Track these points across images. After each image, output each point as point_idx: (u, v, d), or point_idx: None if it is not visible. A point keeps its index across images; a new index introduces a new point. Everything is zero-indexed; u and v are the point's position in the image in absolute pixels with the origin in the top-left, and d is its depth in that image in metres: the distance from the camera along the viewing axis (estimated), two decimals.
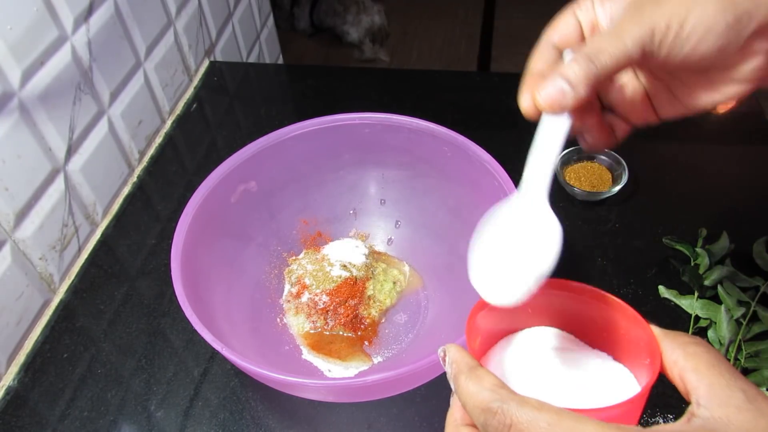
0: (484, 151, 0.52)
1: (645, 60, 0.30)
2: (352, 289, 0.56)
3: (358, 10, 2.18)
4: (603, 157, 0.69)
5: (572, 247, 0.64)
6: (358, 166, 0.61)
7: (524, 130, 0.78)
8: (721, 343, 0.52)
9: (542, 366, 0.35)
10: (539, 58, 0.35)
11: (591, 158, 0.70)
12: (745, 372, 0.51)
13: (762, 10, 0.29)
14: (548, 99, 0.31)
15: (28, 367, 0.57)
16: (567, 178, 0.69)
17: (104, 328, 0.60)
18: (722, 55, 0.30)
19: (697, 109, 0.35)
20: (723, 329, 0.52)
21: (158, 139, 0.80)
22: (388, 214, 0.63)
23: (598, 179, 0.68)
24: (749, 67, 0.31)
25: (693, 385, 0.28)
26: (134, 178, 0.75)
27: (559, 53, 0.34)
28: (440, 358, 0.33)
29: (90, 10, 0.63)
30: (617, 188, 0.66)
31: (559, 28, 0.34)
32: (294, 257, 0.61)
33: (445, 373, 0.47)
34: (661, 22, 0.29)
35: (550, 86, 0.31)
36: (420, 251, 0.61)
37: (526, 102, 0.34)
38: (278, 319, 0.57)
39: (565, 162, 0.69)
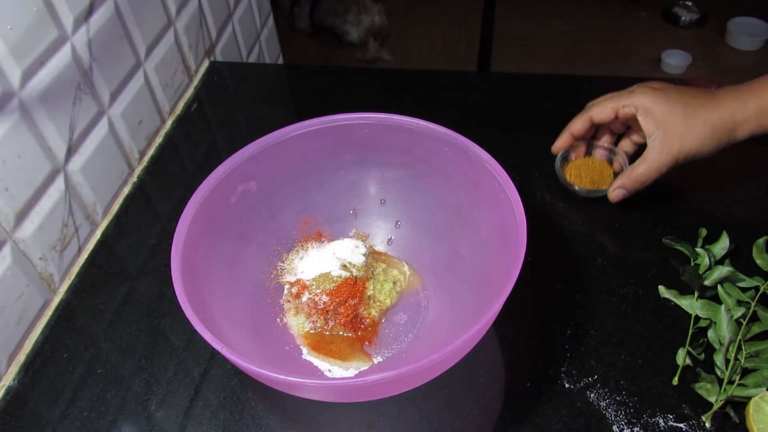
0: (484, 151, 0.52)
1: None
2: (352, 289, 0.56)
3: (359, 9, 2.19)
4: (601, 151, 0.69)
5: (572, 247, 0.64)
6: (358, 166, 0.61)
7: (524, 130, 0.79)
8: (721, 343, 0.52)
9: None
10: (578, 124, 0.65)
11: (589, 153, 0.70)
12: (745, 372, 0.51)
13: (731, 141, 0.59)
14: (615, 197, 0.64)
15: (28, 367, 0.57)
16: (567, 176, 0.68)
17: (104, 328, 0.60)
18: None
19: None
20: (723, 329, 0.52)
21: (158, 139, 0.80)
22: (388, 214, 0.63)
23: (598, 175, 0.68)
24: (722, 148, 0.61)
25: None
26: (134, 178, 0.75)
27: (592, 125, 0.65)
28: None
29: (90, 10, 0.63)
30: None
31: (600, 113, 0.63)
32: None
33: (445, 374, 0.47)
34: (683, 156, 0.58)
35: (618, 193, 0.63)
36: (420, 251, 0.61)
37: (557, 147, 0.68)
38: (278, 319, 0.57)
39: (563, 158, 0.69)
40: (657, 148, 0.58)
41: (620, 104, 0.60)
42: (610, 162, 0.69)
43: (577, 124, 0.64)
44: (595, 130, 0.68)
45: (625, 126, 0.66)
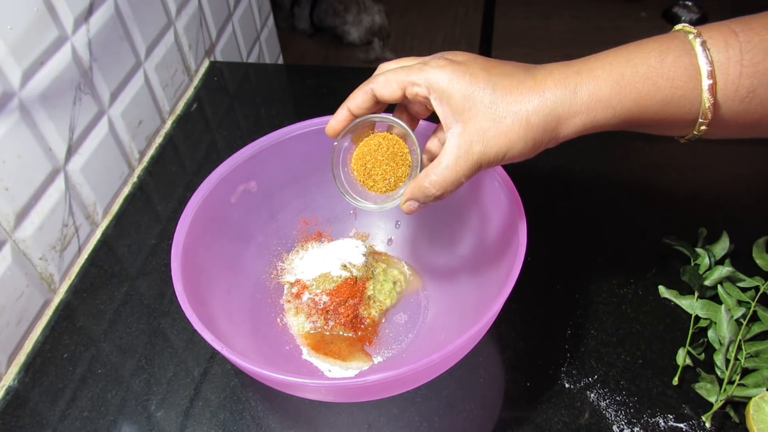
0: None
1: None
2: (352, 289, 0.56)
3: (359, 9, 2.18)
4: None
5: (572, 247, 0.64)
6: None
7: None
8: (721, 343, 0.52)
9: None
10: (359, 98, 0.45)
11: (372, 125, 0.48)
12: (745, 372, 0.51)
13: (553, 140, 0.41)
14: (408, 209, 0.45)
15: (28, 367, 0.57)
16: (355, 175, 0.49)
17: (104, 328, 0.60)
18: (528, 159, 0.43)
19: None
20: (723, 329, 0.52)
21: (158, 139, 0.80)
22: (388, 214, 0.63)
23: (392, 171, 0.48)
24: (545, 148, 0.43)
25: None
26: (134, 178, 0.75)
27: (375, 100, 0.44)
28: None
29: (90, 10, 0.63)
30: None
31: (385, 86, 0.43)
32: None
33: (444, 374, 0.47)
34: (487, 161, 0.41)
35: (409, 204, 0.45)
36: (420, 251, 0.61)
37: (331, 128, 0.47)
38: (278, 319, 0.57)
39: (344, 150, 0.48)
40: (453, 151, 0.41)
41: (409, 80, 0.42)
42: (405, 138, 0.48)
43: (357, 98, 0.45)
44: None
45: (427, 109, 0.47)
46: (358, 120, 0.46)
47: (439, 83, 0.41)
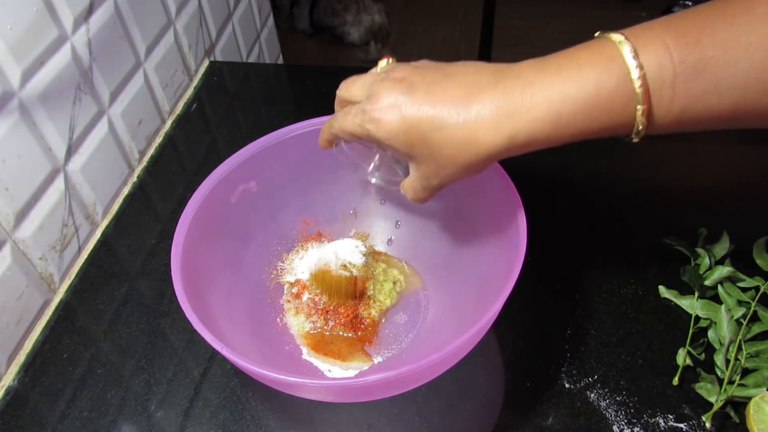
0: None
1: None
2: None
3: (359, 9, 2.18)
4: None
5: (572, 247, 0.64)
6: None
7: None
8: (721, 343, 0.52)
9: None
10: (326, 143, 0.50)
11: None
12: (745, 372, 0.51)
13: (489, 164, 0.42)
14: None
15: (28, 367, 0.57)
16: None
17: (104, 328, 0.60)
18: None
19: None
20: (723, 329, 0.52)
21: (158, 139, 0.80)
22: (388, 214, 0.63)
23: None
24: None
25: None
26: (134, 178, 0.75)
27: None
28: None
29: (90, 10, 0.63)
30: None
31: (344, 135, 0.46)
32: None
33: (444, 374, 0.47)
34: (447, 184, 0.44)
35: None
36: (420, 251, 0.61)
37: (322, 142, 0.50)
38: (278, 319, 0.57)
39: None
40: (418, 180, 0.45)
41: (356, 132, 0.44)
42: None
43: (326, 139, 0.50)
44: None
45: None
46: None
47: (379, 139, 0.43)
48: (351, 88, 0.47)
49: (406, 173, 0.48)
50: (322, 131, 0.50)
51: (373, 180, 0.53)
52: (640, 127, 0.38)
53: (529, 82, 0.39)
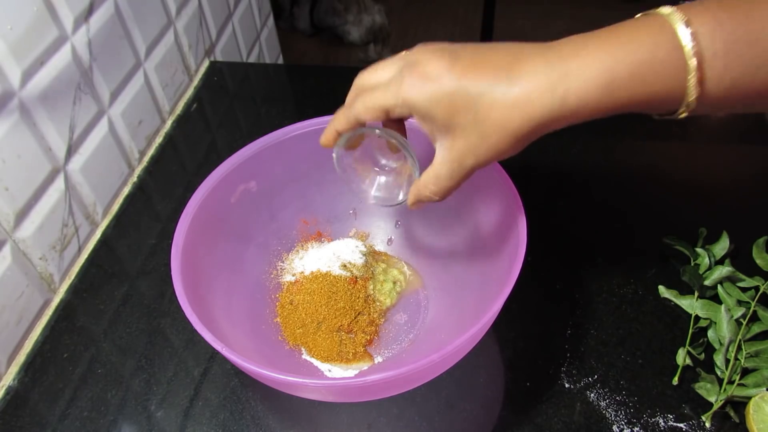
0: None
1: None
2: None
3: (359, 9, 2.18)
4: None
5: (572, 247, 0.64)
6: None
7: None
8: (721, 343, 0.52)
9: None
10: (343, 123, 0.46)
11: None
12: (745, 372, 0.51)
13: (542, 134, 0.40)
14: (414, 207, 0.47)
15: (28, 367, 0.57)
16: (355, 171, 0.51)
17: (104, 328, 0.60)
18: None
19: None
20: (723, 329, 0.52)
21: (158, 139, 0.80)
22: (388, 214, 0.63)
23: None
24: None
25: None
26: (134, 178, 0.75)
27: (360, 123, 0.45)
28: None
29: (90, 10, 0.63)
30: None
31: (367, 113, 0.44)
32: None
33: (444, 374, 0.47)
34: (479, 166, 0.41)
35: (416, 206, 0.46)
36: (420, 251, 0.61)
37: (323, 142, 0.48)
38: (278, 319, 0.57)
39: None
40: (446, 164, 0.42)
41: (388, 105, 0.42)
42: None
43: (342, 123, 0.46)
44: None
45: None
46: (350, 134, 0.47)
47: (418, 106, 0.40)
48: (376, 71, 0.44)
49: (408, 186, 0.46)
50: (331, 123, 0.47)
51: (372, 195, 0.51)
52: (692, 98, 0.37)
53: (581, 46, 0.38)
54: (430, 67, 0.40)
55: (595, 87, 0.37)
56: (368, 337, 0.55)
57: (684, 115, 0.39)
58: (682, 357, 0.53)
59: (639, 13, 0.40)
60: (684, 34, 0.36)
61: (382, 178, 0.51)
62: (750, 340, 0.53)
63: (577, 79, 0.37)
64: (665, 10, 0.38)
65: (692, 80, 0.37)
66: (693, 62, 0.36)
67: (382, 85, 0.42)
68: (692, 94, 0.37)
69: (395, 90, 0.41)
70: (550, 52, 0.38)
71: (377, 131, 0.47)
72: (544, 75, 0.37)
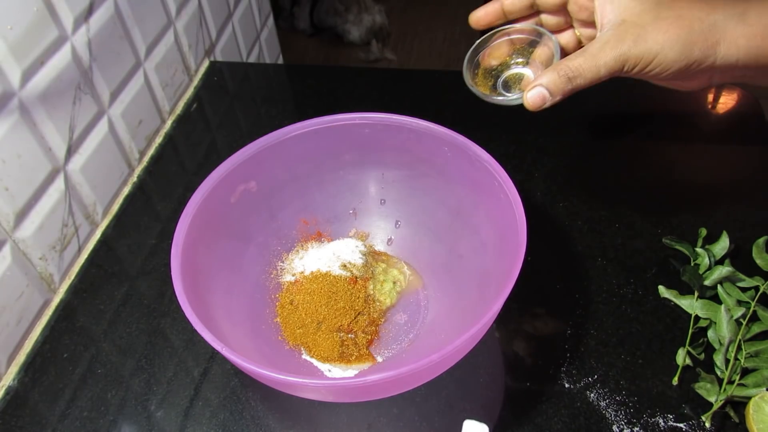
0: (484, 151, 0.52)
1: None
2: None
3: (359, 9, 2.18)
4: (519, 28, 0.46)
5: (572, 247, 0.64)
6: (358, 166, 0.61)
7: (524, 130, 0.79)
8: (721, 343, 0.52)
9: None
10: None
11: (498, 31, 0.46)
12: (745, 372, 0.51)
13: (710, 60, 0.38)
14: (533, 101, 0.41)
15: (28, 367, 0.57)
16: (479, 80, 0.48)
17: (104, 328, 0.60)
18: (675, 79, 0.40)
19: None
20: (723, 329, 0.52)
21: (158, 139, 0.80)
22: (388, 214, 0.63)
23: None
24: (698, 83, 0.41)
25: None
26: (134, 178, 0.75)
27: (533, 4, 0.43)
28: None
29: (90, 10, 0.63)
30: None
31: None
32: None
33: (444, 374, 0.47)
34: (634, 57, 0.38)
35: (535, 92, 0.40)
36: (420, 251, 0.61)
37: (477, 18, 0.45)
38: (278, 319, 0.57)
39: (473, 61, 0.48)
40: (601, 39, 0.39)
41: None
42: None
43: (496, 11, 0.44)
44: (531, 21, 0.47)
45: (574, 36, 0.46)
46: (502, 29, 0.44)
47: None
48: None
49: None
50: None
51: (498, 92, 0.46)
52: None
53: None
54: None
55: (750, 29, 0.38)
56: (368, 337, 0.55)
57: None
58: (682, 357, 0.53)
59: None
60: None
61: (505, 83, 0.47)
62: (750, 340, 0.53)
63: (759, 2, 0.38)
64: None
65: None
66: None
67: None
68: None
69: None
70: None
71: (537, 28, 0.44)
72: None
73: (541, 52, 0.45)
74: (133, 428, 0.52)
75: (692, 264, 0.59)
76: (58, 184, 0.62)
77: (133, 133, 0.74)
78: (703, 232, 0.61)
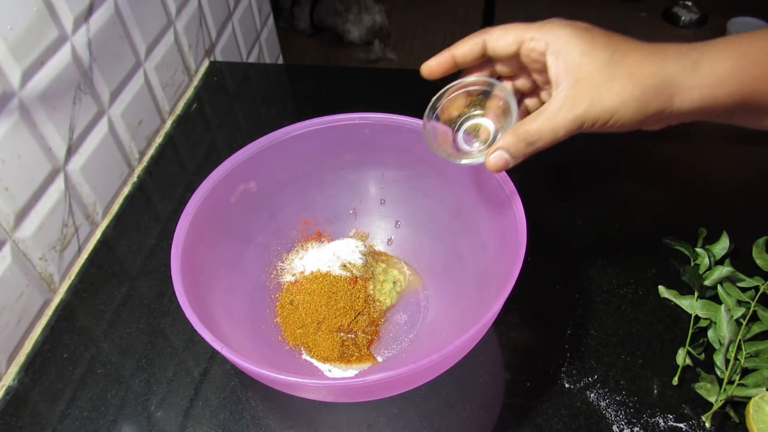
0: None
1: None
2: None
3: (360, 9, 2.19)
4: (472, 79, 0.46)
5: (572, 247, 0.64)
6: (358, 166, 0.61)
7: None
8: (721, 343, 0.52)
9: None
10: (467, 46, 0.44)
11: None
12: (745, 372, 0.51)
13: (666, 112, 0.39)
14: (495, 164, 0.42)
15: (28, 367, 0.57)
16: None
17: (104, 328, 0.60)
18: (633, 129, 0.40)
19: None
20: (723, 329, 0.52)
21: (158, 139, 0.80)
22: (388, 214, 0.63)
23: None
24: (657, 126, 0.41)
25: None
26: (134, 178, 0.75)
27: (485, 55, 0.44)
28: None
29: (90, 10, 0.63)
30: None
31: (499, 39, 0.43)
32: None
33: (444, 374, 0.47)
34: (591, 119, 0.39)
35: (497, 155, 0.42)
36: (420, 251, 0.61)
37: (429, 67, 0.45)
38: (278, 319, 0.57)
39: (433, 110, 0.47)
40: (557, 102, 0.39)
41: (528, 35, 0.41)
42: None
43: (465, 47, 0.44)
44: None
45: (529, 78, 0.46)
46: (456, 83, 0.45)
47: (558, 39, 0.40)
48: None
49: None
50: (448, 49, 0.44)
51: (451, 152, 0.47)
52: None
53: (714, 40, 0.39)
54: (581, 23, 0.42)
55: (726, 58, 0.38)
56: (368, 337, 0.55)
57: None
58: (682, 357, 0.53)
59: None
60: None
61: (465, 134, 0.48)
62: (750, 340, 0.53)
63: (711, 49, 0.38)
64: None
65: None
66: None
67: (523, 23, 0.43)
68: None
69: (539, 25, 0.41)
70: (685, 46, 0.39)
71: (481, 78, 0.45)
72: (680, 45, 0.39)
73: (495, 102, 0.45)
74: (133, 428, 0.52)
75: (692, 264, 0.59)
76: (58, 184, 0.62)
77: (133, 133, 0.74)
78: (703, 232, 0.61)
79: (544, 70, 0.42)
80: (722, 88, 0.38)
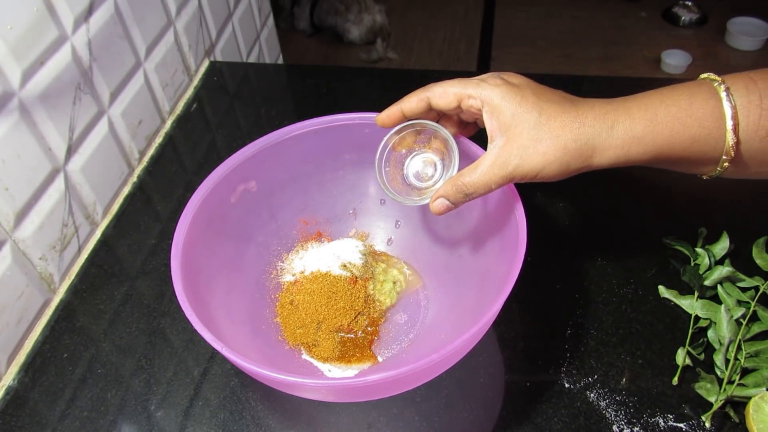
0: (484, 151, 0.52)
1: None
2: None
3: (360, 9, 2.19)
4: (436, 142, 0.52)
5: (572, 247, 0.64)
6: (358, 166, 0.61)
7: None
8: (721, 343, 0.52)
9: None
10: (413, 102, 0.50)
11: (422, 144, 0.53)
12: (745, 372, 0.51)
13: (586, 167, 0.45)
14: (437, 209, 0.50)
15: (28, 367, 0.57)
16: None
17: (104, 328, 0.60)
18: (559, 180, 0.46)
19: None
20: (723, 329, 0.52)
21: (158, 139, 0.80)
22: (388, 214, 0.63)
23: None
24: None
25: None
26: (134, 178, 0.75)
27: (431, 108, 0.49)
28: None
29: (90, 10, 0.63)
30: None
31: (441, 96, 0.48)
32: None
33: (444, 374, 0.47)
34: (519, 175, 0.45)
35: (439, 202, 0.49)
36: (420, 251, 0.61)
37: (381, 120, 0.51)
38: (278, 319, 0.57)
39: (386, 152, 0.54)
40: (491, 160, 0.46)
41: (466, 93, 0.47)
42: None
43: (412, 102, 0.49)
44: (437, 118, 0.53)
45: (474, 121, 0.53)
46: (405, 124, 0.51)
47: (492, 99, 0.45)
48: (454, 81, 0.50)
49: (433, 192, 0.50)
50: (397, 102, 0.50)
51: (399, 193, 0.54)
52: (731, 144, 0.42)
53: (624, 98, 0.45)
54: (514, 79, 0.47)
55: (639, 121, 0.43)
56: (368, 337, 0.55)
57: (726, 164, 0.44)
58: (682, 357, 0.53)
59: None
60: (719, 87, 0.42)
61: (414, 179, 0.54)
62: (750, 340, 0.53)
63: (625, 113, 0.44)
64: (703, 75, 0.45)
65: (729, 127, 0.42)
66: (729, 110, 0.42)
67: (463, 79, 0.48)
68: (730, 140, 0.42)
69: (476, 83, 0.47)
70: (605, 99, 0.46)
71: (429, 123, 0.51)
72: (600, 107, 0.45)
73: (438, 141, 0.52)
74: (133, 428, 0.52)
75: (692, 264, 0.59)
76: (58, 184, 0.62)
77: (133, 133, 0.74)
78: (703, 232, 0.61)
79: (482, 121, 0.48)
80: (635, 148, 0.44)
